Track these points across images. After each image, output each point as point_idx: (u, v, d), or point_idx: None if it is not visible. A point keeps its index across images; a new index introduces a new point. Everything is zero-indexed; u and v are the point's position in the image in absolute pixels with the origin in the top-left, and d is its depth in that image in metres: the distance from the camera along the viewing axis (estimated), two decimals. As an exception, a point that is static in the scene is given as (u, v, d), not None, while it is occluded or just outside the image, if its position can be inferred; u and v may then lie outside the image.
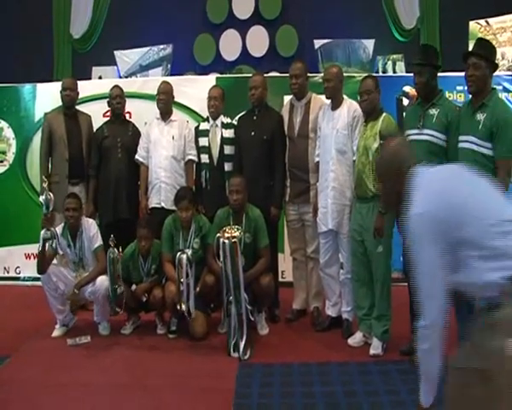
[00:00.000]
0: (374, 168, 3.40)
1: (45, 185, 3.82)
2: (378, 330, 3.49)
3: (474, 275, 1.68)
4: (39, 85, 5.36)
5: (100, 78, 6.98)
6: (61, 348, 3.69)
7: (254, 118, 4.13)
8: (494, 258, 1.65)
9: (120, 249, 3.90)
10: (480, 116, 2.95)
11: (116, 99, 4.43)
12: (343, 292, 3.85)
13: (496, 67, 3.07)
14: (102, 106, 4.95)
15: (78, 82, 4.63)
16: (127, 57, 7.33)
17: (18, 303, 4.66)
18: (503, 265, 1.63)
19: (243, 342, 3.51)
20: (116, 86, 4.52)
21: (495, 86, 3.13)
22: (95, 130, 4.54)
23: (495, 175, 2.88)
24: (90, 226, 3.97)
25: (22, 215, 5.21)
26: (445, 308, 1.74)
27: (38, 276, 3.94)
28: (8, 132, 5.37)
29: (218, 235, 3.61)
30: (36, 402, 2.97)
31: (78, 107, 4.63)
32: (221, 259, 3.57)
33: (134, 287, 3.93)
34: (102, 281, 3.81)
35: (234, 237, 3.56)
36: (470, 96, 3.11)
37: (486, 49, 3.06)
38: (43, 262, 3.81)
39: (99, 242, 3.96)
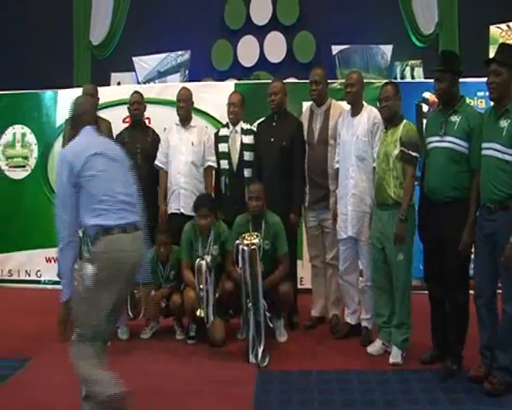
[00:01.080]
0: (395, 175, 3.39)
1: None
2: (398, 339, 3.45)
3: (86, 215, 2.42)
4: (60, 92, 5.44)
5: (118, 84, 7.05)
6: (81, 352, 3.72)
7: (273, 124, 4.14)
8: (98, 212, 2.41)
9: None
10: (504, 123, 2.91)
11: (134, 105, 4.46)
12: (362, 300, 3.83)
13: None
14: (121, 112, 5.01)
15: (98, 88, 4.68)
16: (145, 63, 7.40)
17: (39, 306, 4.71)
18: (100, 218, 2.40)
19: (261, 349, 3.50)
20: (136, 92, 4.55)
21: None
22: (115, 135, 4.57)
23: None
24: None
25: (43, 219, 5.27)
26: (74, 228, 2.47)
27: (59, 279, 3.97)
28: (31, 138, 5.46)
29: (238, 242, 3.61)
30: (55, 404, 3.00)
31: (97, 113, 4.66)
32: (240, 266, 3.58)
33: (153, 292, 3.95)
34: None
35: (253, 244, 3.56)
36: (492, 102, 3.08)
37: (508, 55, 3.02)
38: None
39: None
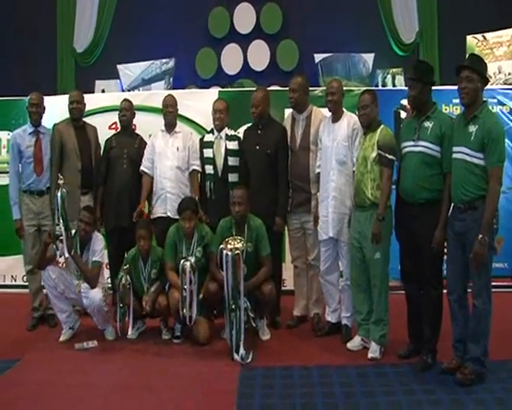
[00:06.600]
0: (372, 177, 3.54)
1: (60, 182, 3.92)
2: (376, 335, 3.59)
3: None
4: (45, 98, 5.48)
5: (103, 91, 7.09)
6: (68, 352, 3.80)
7: (259, 132, 4.24)
8: None
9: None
10: (472, 128, 3.08)
11: (122, 111, 4.55)
12: (342, 298, 3.96)
13: (487, 81, 3.21)
14: (107, 119, 5.10)
15: (82, 95, 4.74)
16: (130, 71, 7.43)
17: (26, 310, 4.73)
18: None
19: (242, 348, 3.58)
20: (125, 100, 4.63)
21: (486, 99, 3.25)
22: (104, 140, 4.63)
23: (487, 184, 3.02)
24: (98, 241, 4.08)
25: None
26: None
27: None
28: (16, 144, 5.49)
29: (222, 246, 3.69)
30: (44, 402, 3.08)
31: (83, 119, 4.72)
32: (224, 269, 3.67)
33: (144, 303, 3.94)
34: (95, 294, 3.91)
35: (236, 248, 3.65)
36: (464, 108, 3.24)
37: (479, 64, 3.20)
38: (43, 259, 3.96)
39: (99, 258, 4.03)
